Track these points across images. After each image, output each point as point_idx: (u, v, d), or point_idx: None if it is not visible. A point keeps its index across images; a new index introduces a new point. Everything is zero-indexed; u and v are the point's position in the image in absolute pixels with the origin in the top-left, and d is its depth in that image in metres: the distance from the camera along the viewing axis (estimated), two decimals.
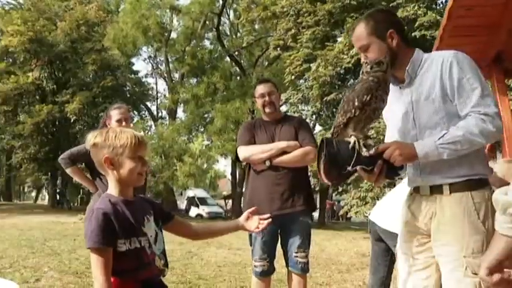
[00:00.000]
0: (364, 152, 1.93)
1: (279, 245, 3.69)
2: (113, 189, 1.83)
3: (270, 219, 2.20)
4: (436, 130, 1.96)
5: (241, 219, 2.16)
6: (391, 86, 2.11)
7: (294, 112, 18.67)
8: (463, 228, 1.91)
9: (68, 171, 3.80)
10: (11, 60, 27.11)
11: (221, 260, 7.44)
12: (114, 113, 3.79)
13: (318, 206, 21.80)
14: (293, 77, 17.83)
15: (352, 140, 1.98)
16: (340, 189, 18.98)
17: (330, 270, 7.28)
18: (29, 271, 6.15)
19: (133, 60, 32.89)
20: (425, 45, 12.58)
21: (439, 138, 1.88)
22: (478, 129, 1.85)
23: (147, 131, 29.55)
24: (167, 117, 32.29)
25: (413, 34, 14.88)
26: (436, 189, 1.99)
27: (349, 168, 1.92)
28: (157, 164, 24.17)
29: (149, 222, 1.84)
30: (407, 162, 1.98)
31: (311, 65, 16.60)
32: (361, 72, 2.11)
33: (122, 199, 1.80)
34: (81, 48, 26.15)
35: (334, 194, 22.79)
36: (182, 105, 30.64)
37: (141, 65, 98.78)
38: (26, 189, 59.55)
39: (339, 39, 16.96)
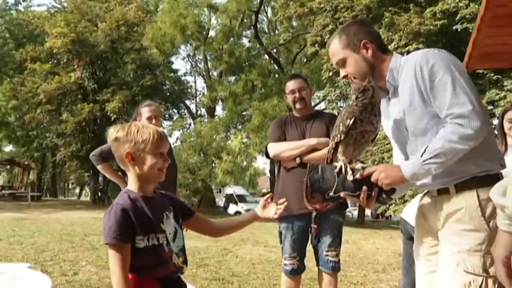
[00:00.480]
0: (349, 176, 1.90)
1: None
2: (132, 185, 1.82)
3: (286, 203, 2.15)
4: (427, 137, 1.91)
5: (258, 208, 2.13)
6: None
7: (332, 109, 18.46)
8: (463, 225, 1.85)
9: (99, 167, 3.85)
10: (55, 61, 27.84)
11: (256, 257, 7.42)
12: (145, 111, 3.81)
13: (356, 204, 21.48)
14: (331, 73, 17.63)
15: (338, 164, 1.96)
16: None
17: (366, 269, 7.15)
18: (68, 264, 6.32)
19: (173, 59, 33.24)
20: (467, 39, 12.22)
21: (421, 155, 1.83)
22: (456, 136, 1.77)
23: (186, 129, 29.88)
24: (206, 115, 32.52)
25: (454, 28, 14.46)
26: (443, 190, 1.93)
27: (331, 193, 1.90)
28: (195, 161, 24.36)
29: (168, 219, 1.82)
30: (395, 185, 1.92)
31: None
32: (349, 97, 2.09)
33: (141, 195, 1.79)
34: (121, 48, 26.61)
35: None
36: (220, 103, 30.79)
37: (180, 64, 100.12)
38: (70, 186, 61.30)
39: None
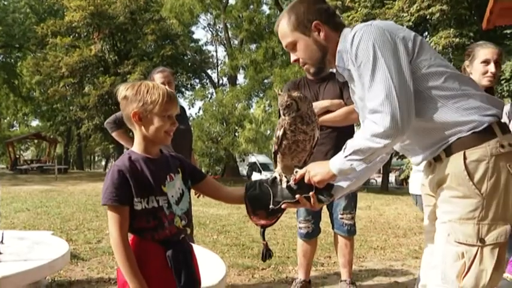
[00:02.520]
0: (284, 184, 1.86)
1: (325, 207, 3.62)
2: (137, 146, 1.79)
3: None
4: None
5: None
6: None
7: None
8: (451, 191, 1.71)
9: (114, 134, 3.87)
10: (76, 34, 27.90)
11: (277, 223, 7.40)
12: (157, 77, 3.80)
13: (381, 171, 21.38)
14: None
15: (274, 175, 1.93)
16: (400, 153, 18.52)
17: (387, 234, 7.15)
18: (92, 233, 6.47)
19: (193, 28, 33.14)
20: None
21: (344, 150, 1.77)
22: (369, 134, 1.68)
23: (207, 99, 29.86)
24: (227, 84, 32.45)
25: None
26: (437, 158, 1.80)
27: (271, 206, 1.85)
28: (218, 130, 24.44)
29: (172, 181, 1.79)
30: (327, 181, 1.85)
31: None
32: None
33: (144, 156, 1.76)
34: (141, 19, 26.48)
35: (395, 158, 22.29)
36: (242, 71, 30.66)
37: (201, 33, 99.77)
38: (96, 159, 62.31)
39: None
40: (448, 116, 1.71)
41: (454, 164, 1.70)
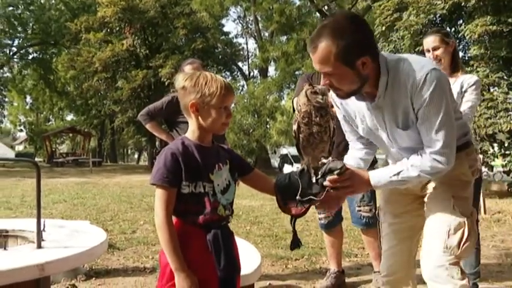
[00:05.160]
0: (313, 178, 1.89)
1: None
2: (191, 133, 1.83)
3: None
4: (416, 149, 1.92)
5: None
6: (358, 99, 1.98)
7: None
8: (450, 176, 1.98)
9: (148, 126, 3.93)
10: (108, 30, 28.28)
11: (310, 215, 7.32)
12: (187, 68, 3.83)
13: None
14: (384, 27, 16.97)
15: (301, 167, 1.96)
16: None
17: None
18: (127, 224, 6.59)
19: (223, 21, 33.16)
20: None
21: (394, 175, 1.92)
22: (432, 170, 1.87)
23: (239, 91, 29.90)
24: (258, 76, 32.41)
25: None
26: None
27: (298, 197, 1.87)
28: (249, 122, 24.46)
29: (220, 171, 1.82)
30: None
31: (402, 14, 15.74)
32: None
33: (196, 143, 1.80)
34: (171, 13, 26.65)
35: None
36: (273, 63, 30.54)
37: (231, 26, 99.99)
38: (129, 152, 63.26)
39: None
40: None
41: (459, 162, 1.98)
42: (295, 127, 1.99)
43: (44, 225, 2.69)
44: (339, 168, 1.86)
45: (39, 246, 2.51)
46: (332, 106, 2.11)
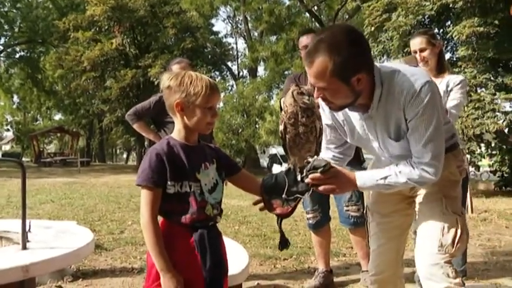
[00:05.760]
0: (299, 177, 1.90)
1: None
2: (176, 132, 1.83)
3: None
4: (408, 157, 1.93)
5: None
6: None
7: None
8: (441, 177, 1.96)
9: (135, 126, 3.92)
10: (97, 28, 28.11)
11: (298, 214, 7.34)
12: (175, 68, 3.82)
13: None
14: (372, 28, 17.04)
15: (287, 166, 1.99)
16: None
17: None
18: (115, 224, 6.56)
19: (213, 21, 33.08)
20: None
21: (381, 178, 1.93)
22: (419, 179, 1.89)
23: (228, 91, 29.88)
24: (248, 76, 32.41)
25: None
26: None
27: (284, 195, 1.89)
28: (238, 122, 24.46)
29: (207, 170, 1.82)
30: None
31: (391, 14, 15.81)
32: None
33: (182, 143, 1.80)
34: (161, 12, 26.54)
35: None
36: (262, 63, 30.58)
37: (220, 26, 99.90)
38: (118, 152, 62.97)
39: None
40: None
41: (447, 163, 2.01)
42: (281, 127, 2.01)
43: (30, 226, 2.67)
44: (323, 166, 1.86)
45: (24, 248, 2.49)
46: (319, 106, 2.10)
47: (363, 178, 1.96)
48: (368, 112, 1.92)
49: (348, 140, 2.14)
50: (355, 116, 2.01)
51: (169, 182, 1.72)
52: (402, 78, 1.83)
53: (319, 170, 1.86)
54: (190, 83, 1.75)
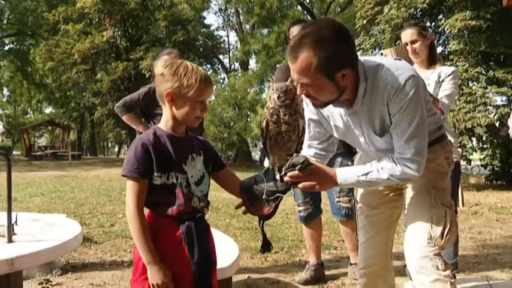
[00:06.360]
0: (277, 176, 1.86)
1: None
2: (164, 122, 1.79)
3: None
4: (392, 150, 1.90)
5: None
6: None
7: None
8: (427, 168, 1.94)
9: (124, 118, 3.87)
10: (87, 21, 27.88)
11: (290, 207, 7.39)
12: (164, 59, 3.76)
13: None
14: (365, 21, 17.03)
15: (266, 166, 1.97)
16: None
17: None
18: (105, 217, 6.53)
19: (204, 14, 32.91)
20: None
21: (363, 175, 1.90)
22: (401, 176, 1.86)
23: (219, 84, 29.80)
24: (239, 69, 32.35)
25: None
26: None
27: (264, 196, 1.84)
28: (230, 115, 24.40)
29: (193, 161, 1.78)
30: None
31: (383, 7, 15.80)
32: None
33: (169, 133, 1.76)
34: (152, 5, 26.42)
35: None
36: (253, 56, 30.49)
37: (212, 19, 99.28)
38: (109, 145, 62.75)
39: None
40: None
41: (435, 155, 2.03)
42: (263, 124, 1.95)
43: (16, 218, 2.63)
44: (301, 162, 1.82)
45: (9, 241, 2.45)
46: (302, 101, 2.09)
47: (344, 174, 1.92)
48: (352, 108, 1.89)
49: (334, 135, 2.11)
50: (340, 111, 1.97)
51: (155, 173, 1.69)
52: (386, 72, 1.80)
53: (297, 167, 1.82)
54: (185, 74, 1.71)
